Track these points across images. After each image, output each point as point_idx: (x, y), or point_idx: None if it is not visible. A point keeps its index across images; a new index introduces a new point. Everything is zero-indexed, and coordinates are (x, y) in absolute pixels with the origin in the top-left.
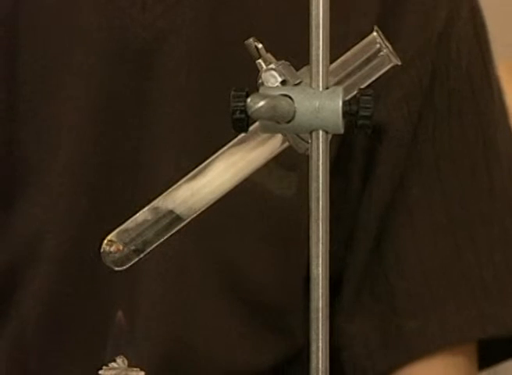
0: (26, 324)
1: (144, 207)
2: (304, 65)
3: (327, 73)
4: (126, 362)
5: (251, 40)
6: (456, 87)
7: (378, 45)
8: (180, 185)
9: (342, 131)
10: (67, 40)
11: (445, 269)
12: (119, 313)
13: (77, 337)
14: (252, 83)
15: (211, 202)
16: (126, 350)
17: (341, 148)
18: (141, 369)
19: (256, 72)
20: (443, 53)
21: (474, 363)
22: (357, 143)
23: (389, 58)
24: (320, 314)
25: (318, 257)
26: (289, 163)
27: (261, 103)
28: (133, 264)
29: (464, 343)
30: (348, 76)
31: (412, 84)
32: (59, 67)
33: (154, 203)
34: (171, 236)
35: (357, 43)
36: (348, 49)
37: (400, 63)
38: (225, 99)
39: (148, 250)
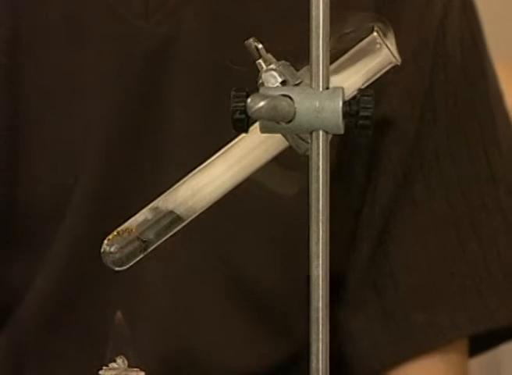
0: (25, 325)
1: None
2: (304, 65)
3: (327, 74)
4: (126, 362)
5: (251, 40)
6: (453, 79)
7: (378, 45)
8: (181, 185)
9: (342, 132)
10: (71, 55)
11: (450, 262)
12: (118, 314)
13: (77, 338)
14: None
15: (212, 202)
16: (127, 351)
17: (342, 147)
18: (141, 370)
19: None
20: (441, 47)
21: (466, 359)
22: (360, 140)
23: (389, 59)
24: (320, 314)
25: (318, 257)
26: (290, 162)
27: (262, 103)
28: (134, 265)
29: (471, 335)
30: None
31: (414, 80)
32: (67, 81)
33: (155, 203)
34: (172, 237)
35: (358, 43)
36: (348, 49)
37: (399, 63)
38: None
39: (149, 250)
